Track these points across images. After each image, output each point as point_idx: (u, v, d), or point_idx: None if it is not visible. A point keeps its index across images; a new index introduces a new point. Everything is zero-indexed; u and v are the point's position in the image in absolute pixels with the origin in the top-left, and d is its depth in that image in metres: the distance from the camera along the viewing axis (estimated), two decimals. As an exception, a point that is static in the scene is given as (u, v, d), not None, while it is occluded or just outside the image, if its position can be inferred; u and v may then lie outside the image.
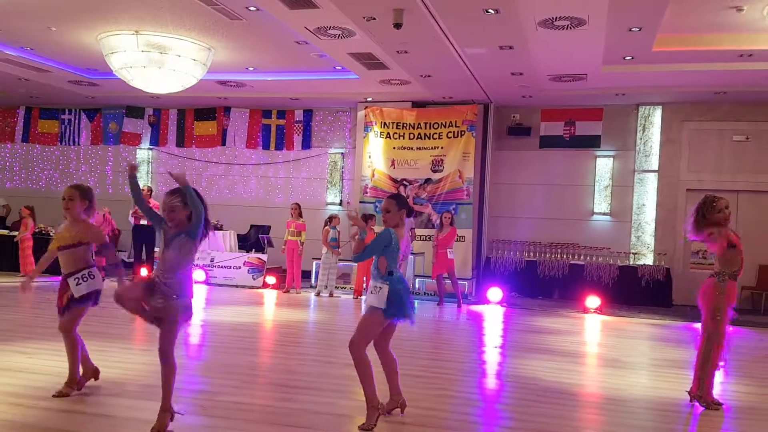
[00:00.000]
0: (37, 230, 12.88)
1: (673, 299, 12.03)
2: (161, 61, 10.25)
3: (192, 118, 15.16)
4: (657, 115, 12.84)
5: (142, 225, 12.14)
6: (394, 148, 13.36)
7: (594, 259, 12.58)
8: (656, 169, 12.85)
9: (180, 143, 15.33)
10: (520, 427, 4.44)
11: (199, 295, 11.13)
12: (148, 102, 14.73)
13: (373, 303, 4.24)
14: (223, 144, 14.96)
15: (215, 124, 14.96)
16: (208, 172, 15.27)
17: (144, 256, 12.33)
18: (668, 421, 4.80)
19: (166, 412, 3.97)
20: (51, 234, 13.29)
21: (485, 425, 4.58)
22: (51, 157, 16.30)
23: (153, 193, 12.55)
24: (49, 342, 6.44)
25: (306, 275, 12.52)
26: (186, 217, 4.00)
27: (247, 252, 12.89)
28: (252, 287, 12.17)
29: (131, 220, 12.39)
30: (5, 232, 13.63)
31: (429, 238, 12.93)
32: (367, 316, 4.28)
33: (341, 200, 14.45)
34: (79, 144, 15.88)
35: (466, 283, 11.51)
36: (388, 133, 13.37)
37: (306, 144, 14.57)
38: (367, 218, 11.50)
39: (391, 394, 4.47)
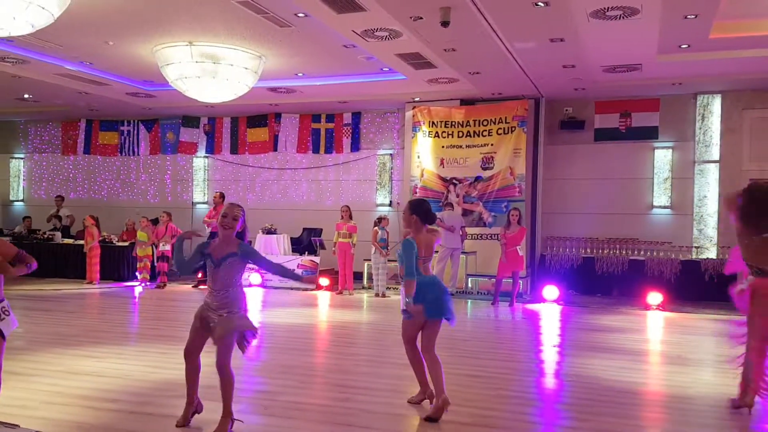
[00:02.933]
0: (101, 239, 13.39)
1: (740, 294, 11.55)
2: (214, 71, 10.50)
3: (245, 125, 15.47)
4: (716, 104, 12.36)
5: (213, 233, 12.49)
6: (442, 147, 13.29)
7: (654, 254, 12.20)
8: (717, 159, 12.37)
9: (234, 150, 15.66)
10: (581, 427, 4.35)
11: (255, 297, 11.35)
12: (202, 111, 15.11)
13: (402, 305, 4.64)
14: (275, 149, 15.20)
15: (267, 131, 15.22)
16: (260, 177, 15.55)
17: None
18: (735, 419, 4.62)
19: (227, 417, 4.06)
20: (114, 242, 13.81)
21: (545, 425, 4.51)
22: (112, 168, 16.91)
23: (173, 217, 12.82)
24: (115, 347, 6.68)
25: (357, 276, 12.60)
26: (237, 233, 4.13)
27: (301, 255, 13.06)
28: (306, 290, 12.32)
29: (207, 228, 12.65)
30: (71, 241, 14.22)
31: (481, 236, 12.83)
32: (404, 319, 4.68)
33: (391, 201, 14.48)
34: (138, 154, 16.43)
35: (521, 281, 11.35)
36: (437, 132, 13.32)
37: (355, 146, 14.67)
38: (380, 220, 11.87)
39: (435, 391, 4.48)
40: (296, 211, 14.91)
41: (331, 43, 9.82)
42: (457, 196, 13.14)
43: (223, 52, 10.34)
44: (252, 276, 12.72)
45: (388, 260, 11.83)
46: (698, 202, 12.48)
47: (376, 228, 11.68)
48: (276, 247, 13.15)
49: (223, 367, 4.04)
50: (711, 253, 12.19)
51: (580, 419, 4.53)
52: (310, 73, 11.88)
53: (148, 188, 16.59)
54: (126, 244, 13.54)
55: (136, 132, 16.34)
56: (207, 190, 16.17)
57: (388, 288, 11.87)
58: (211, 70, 10.49)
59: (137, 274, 12.70)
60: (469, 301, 11.34)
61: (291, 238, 13.63)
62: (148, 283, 12.51)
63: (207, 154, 15.99)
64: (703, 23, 8.54)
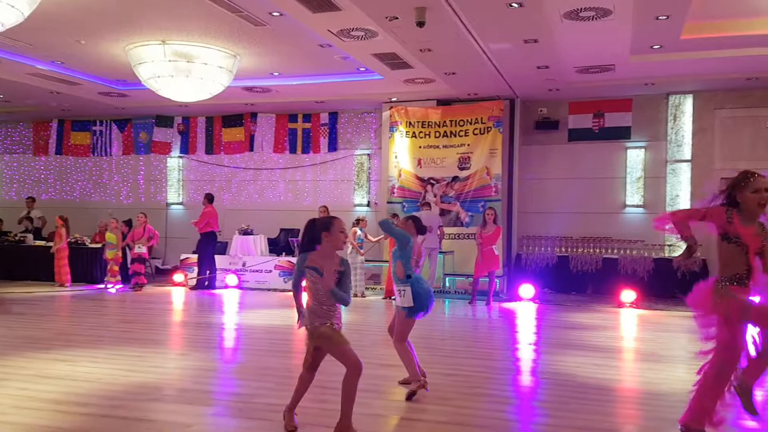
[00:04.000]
0: (71, 240, 13.16)
1: (711, 291, 11.76)
2: (188, 70, 10.39)
3: (220, 125, 15.34)
4: (688, 103, 12.58)
5: (211, 232, 12.39)
6: (420, 147, 13.32)
7: (628, 252, 12.37)
8: (689, 158, 12.58)
9: (209, 150, 15.51)
10: (557, 425, 4.38)
11: (232, 299, 11.25)
12: (176, 111, 14.95)
13: (402, 304, 5.01)
14: (251, 150, 15.09)
15: (243, 130, 15.11)
16: (236, 177, 15.43)
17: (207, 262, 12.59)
18: (710, 416, 4.68)
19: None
20: (86, 244, 13.60)
21: (521, 423, 4.53)
22: (84, 169, 16.65)
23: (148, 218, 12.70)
24: (88, 350, 6.57)
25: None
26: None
27: (278, 255, 12.99)
28: (284, 290, 12.24)
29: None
30: (42, 243, 13.96)
31: (458, 236, 12.89)
32: (401, 317, 5.06)
33: (369, 201, 14.48)
34: (111, 155, 16.19)
35: (498, 280, 11.43)
36: (414, 133, 13.35)
37: (332, 146, 14.63)
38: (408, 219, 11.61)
39: (415, 377, 4.97)
40: (273, 212, 14.82)
41: (307, 42, 9.79)
42: (435, 196, 13.18)
43: (196, 51, 10.24)
44: (228, 277, 12.62)
45: (366, 260, 11.82)
46: (670, 201, 12.68)
47: (355, 228, 11.67)
48: (253, 248, 13.06)
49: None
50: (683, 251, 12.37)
51: (556, 416, 4.57)
52: (286, 72, 11.82)
53: (121, 189, 16.36)
54: (99, 245, 13.34)
55: (108, 132, 16.10)
56: (181, 191, 16.00)
57: (366, 288, 11.85)
58: (184, 69, 10.36)
59: (106, 277, 12.45)
60: (447, 300, 11.38)
61: (268, 239, 13.56)
62: (120, 286, 12.32)
63: (181, 154, 15.82)
64: (674, 24, 8.68)
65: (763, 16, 8.84)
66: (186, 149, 15.69)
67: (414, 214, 5.84)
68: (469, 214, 12.94)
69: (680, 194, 12.60)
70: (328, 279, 3.94)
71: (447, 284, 12.25)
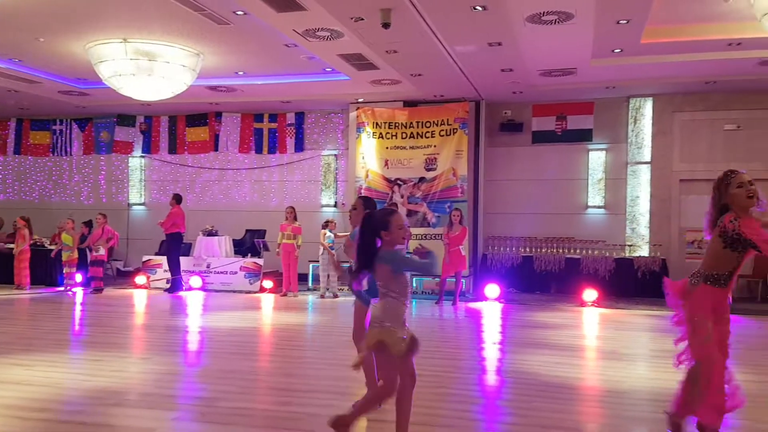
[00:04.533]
0: (32, 242, 12.83)
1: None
2: (150, 69, 10.22)
3: (183, 124, 15.12)
4: (648, 107, 12.86)
5: (177, 233, 12.17)
6: (387, 148, 13.35)
7: (590, 252, 12.59)
8: (649, 160, 12.87)
9: (172, 150, 15.28)
10: (521, 423, 4.44)
11: (196, 301, 11.10)
12: (138, 110, 14.69)
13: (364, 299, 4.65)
14: (216, 149, 14.92)
15: (207, 130, 14.93)
16: (201, 178, 15.24)
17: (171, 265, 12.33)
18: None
19: None
20: (46, 245, 13.26)
21: (486, 422, 4.58)
22: (44, 169, 16.23)
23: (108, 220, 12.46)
24: (47, 354, 6.42)
25: (303, 278, 12.51)
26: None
27: (243, 257, 12.87)
28: (249, 292, 12.14)
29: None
30: (-1, 244, 13.57)
31: (425, 237, 12.95)
32: (358, 308, 4.76)
33: (336, 202, 14.44)
34: (71, 154, 15.82)
35: (464, 280, 11.52)
36: (381, 134, 13.36)
37: (299, 147, 14.55)
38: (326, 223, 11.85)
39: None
40: (239, 213, 14.68)
41: (272, 41, 9.72)
42: (402, 197, 13.22)
43: (159, 49, 10.08)
44: (192, 279, 12.45)
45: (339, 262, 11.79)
46: (631, 201, 12.95)
47: (324, 230, 11.63)
48: (217, 249, 12.92)
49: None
50: (643, 251, 12.67)
51: (520, 415, 4.63)
52: (251, 71, 11.72)
53: (82, 189, 16.00)
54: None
55: (68, 131, 15.73)
56: (144, 191, 15.74)
57: (341, 289, 11.82)
58: (146, 67, 10.20)
59: (64, 280, 12.16)
60: (414, 300, 11.42)
61: (233, 240, 13.42)
62: (78, 289, 12.06)
63: (144, 154, 15.56)
64: (635, 28, 8.86)
65: (720, 21, 9.09)
66: (148, 149, 15.42)
67: (367, 196, 5.30)
68: (436, 214, 13.02)
69: (640, 195, 12.89)
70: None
71: (414, 285, 12.29)
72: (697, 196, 12.54)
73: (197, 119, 14.97)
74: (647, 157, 12.87)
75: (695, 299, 3.84)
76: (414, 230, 12.71)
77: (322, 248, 11.55)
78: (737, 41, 9.37)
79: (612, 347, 7.48)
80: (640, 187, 12.92)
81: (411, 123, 13.19)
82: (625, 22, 8.62)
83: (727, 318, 3.94)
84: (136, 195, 15.72)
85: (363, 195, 5.26)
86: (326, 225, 11.77)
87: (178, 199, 12.46)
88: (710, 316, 3.82)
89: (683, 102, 12.63)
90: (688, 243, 12.62)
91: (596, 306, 10.63)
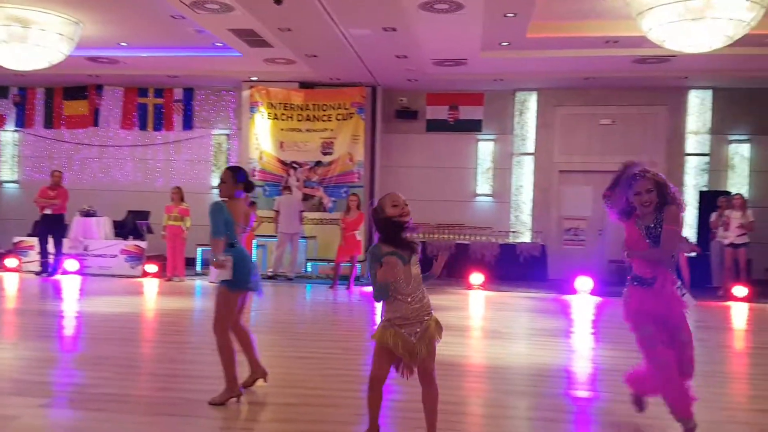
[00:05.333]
0: None
1: (548, 274, 12.75)
2: (24, 36, 9.51)
3: (61, 97, 14.09)
4: (532, 100, 13.45)
5: (47, 214, 11.24)
6: (282, 129, 13.10)
7: (477, 238, 13.05)
8: (532, 152, 13.48)
9: (48, 124, 14.21)
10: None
11: (72, 286, 10.42)
12: (12, 80, 13.52)
13: (220, 277, 4.31)
14: (96, 125, 14.01)
15: (86, 104, 13.98)
16: (79, 154, 14.27)
17: (51, 248, 11.43)
18: (545, 385, 5.07)
19: None
20: None
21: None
22: None
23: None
24: None
25: (191, 262, 12.06)
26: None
27: (124, 239, 12.21)
28: (131, 276, 11.55)
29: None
30: None
31: (321, 221, 12.88)
32: (219, 295, 4.34)
33: (227, 184, 13.99)
34: (-67, 127, 14.32)
35: (359, 265, 11.57)
36: (276, 114, 13.09)
37: (187, 125, 13.95)
38: (250, 205, 11.26)
39: (252, 368, 4.54)
40: (120, 192, 13.88)
41: (158, 12, 9.22)
42: (298, 180, 13.05)
43: (33, 16, 9.35)
44: (68, 262, 11.65)
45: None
46: (515, 190, 13.54)
47: None
48: (95, 231, 12.16)
49: (434, 373, 3.52)
50: (526, 238, 13.30)
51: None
52: (134, 43, 11.06)
53: (-52, 165, 14.54)
54: None
55: (-69, 102, 14.21)
56: (17, 168, 14.55)
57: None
58: (20, 34, 9.49)
59: None
60: (309, 285, 11.34)
61: (114, 222, 12.69)
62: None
63: (17, 128, 14.36)
64: (521, 22, 9.20)
65: (599, 18, 9.61)
66: (22, 123, 14.24)
67: (237, 166, 4.75)
68: (333, 199, 12.98)
69: (524, 185, 13.49)
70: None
71: (309, 269, 12.23)
72: (574, 187, 13.33)
73: (76, 92, 13.98)
74: (531, 148, 13.48)
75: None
76: (310, 215, 12.61)
77: None
78: (614, 39, 9.96)
79: (495, 327, 7.81)
80: (524, 177, 13.53)
81: (307, 105, 13.02)
82: (512, 15, 8.92)
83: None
84: (7, 172, 14.51)
85: (233, 166, 4.79)
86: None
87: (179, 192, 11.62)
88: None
89: (564, 97, 13.31)
90: (566, 230, 13.41)
91: (482, 289, 11.04)
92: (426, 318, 3.42)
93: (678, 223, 3.67)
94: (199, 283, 11.19)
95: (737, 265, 10.70)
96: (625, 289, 3.89)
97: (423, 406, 3.47)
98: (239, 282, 4.30)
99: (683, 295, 3.65)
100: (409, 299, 3.38)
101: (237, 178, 4.44)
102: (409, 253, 3.44)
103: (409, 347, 3.38)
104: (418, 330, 3.40)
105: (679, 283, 3.73)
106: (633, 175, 3.76)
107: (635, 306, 3.78)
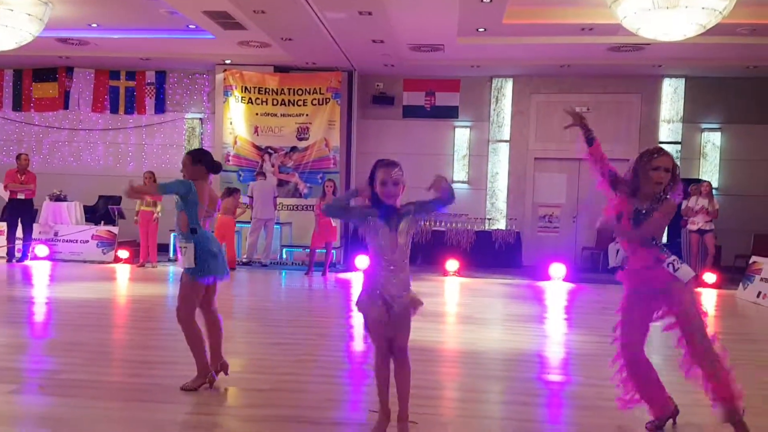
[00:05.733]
0: None
1: (523, 260, 12.86)
2: (-10, 16, 9.19)
3: (30, 79, 13.76)
4: (508, 87, 13.48)
5: (18, 199, 10.97)
6: (257, 114, 12.96)
7: (453, 225, 13.09)
8: (508, 139, 13.53)
9: (17, 107, 13.88)
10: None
11: (41, 271, 10.23)
12: (-23, 61, 13.16)
13: (184, 264, 4.16)
14: (66, 107, 13.71)
15: (56, 86, 13.66)
16: (49, 138, 13.96)
17: (20, 233, 11.18)
18: (518, 370, 5.12)
19: (407, 421, 3.40)
20: None
21: (352, 385, 4.62)
22: None
23: None
24: None
25: (164, 248, 11.90)
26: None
27: (96, 225, 12.01)
28: (102, 262, 11.37)
29: (3, 194, 11.12)
30: None
31: (296, 207, 12.80)
32: (184, 281, 4.20)
33: (201, 169, 13.80)
34: None
35: (335, 251, 11.55)
36: (250, 99, 12.94)
37: (159, 108, 13.71)
38: (231, 191, 11.13)
39: (212, 357, 4.31)
40: (91, 177, 13.62)
41: (130, -8, 9.02)
42: (273, 165, 12.94)
43: (-1, -6, 9.05)
44: (38, 248, 11.43)
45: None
46: (491, 178, 13.60)
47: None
48: (66, 216, 11.95)
49: (406, 352, 3.42)
50: (501, 225, 13.39)
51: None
52: (105, 24, 10.82)
53: None
54: None
55: None
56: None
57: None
58: (-14, 14, 9.14)
59: None
60: (284, 271, 11.29)
61: (84, 207, 12.47)
62: None
63: (-16, 111, 14.00)
64: (497, 8, 9.18)
65: (575, 5, 9.64)
66: (-11, 105, 13.90)
67: (201, 149, 4.63)
68: (308, 185, 12.90)
69: (499, 172, 13.55)
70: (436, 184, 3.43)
71: (284, 256, 12.16)
72: (548, 174, 13.43)
73: (45, 74, 13.67)
74: (507, 135, 13.53)
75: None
76: (286, 201, 12.52)
77: None
78: (590, 26, 10.00)
79: (469, 312, 7.86)
80: (500, 164, 13.58)
81: (282, 90, 12.88)
82: (488, 1, 8.89)
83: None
84: (-27, 155, 14.14)
85: (193, 150, 4.60)
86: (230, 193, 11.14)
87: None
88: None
89: (540, 84, 13.36)
90: (540, 217, 13.53)
91: (457, 275, 11.09)
92: (404, 293, 3.35)
93: (667, 219, 3.58)
94: (171, 269, 11.06)
95: (705, 251, 10.91)
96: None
97: (395, 384, 3.43)
98: (203, 270, 4.14)
99: (676, 270, 3.51)
100: (391, 267, 3.31)
101: (195, 159, 4.30)
102: (396, 220, 3.35)
103: (377, 312, 3.33)
104: (393, 303, 3.31)
105: (671, 258, 3.56)
106: (656, 148, 3.64)
107: (627, 288, 3.68)
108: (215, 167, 4.36)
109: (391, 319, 3.33)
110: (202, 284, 4.18)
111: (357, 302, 3.45)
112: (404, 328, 3.40)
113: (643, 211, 3.59)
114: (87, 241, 11.64)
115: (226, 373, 4.35)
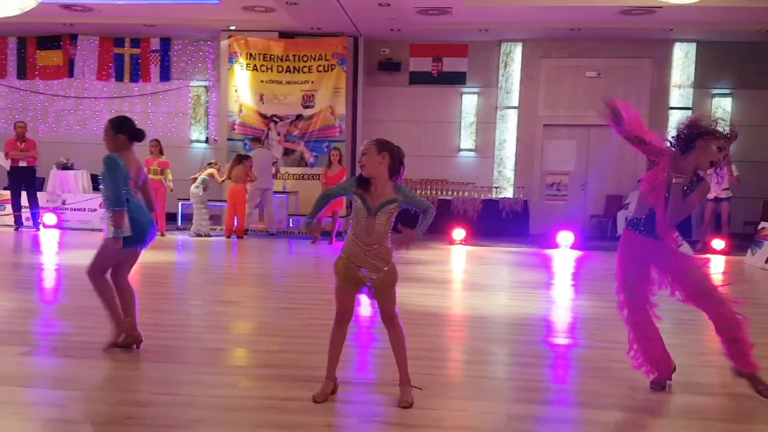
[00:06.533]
0: None
1: (530, 229, 12.84)
2: (-9, -20, 9.07)
3: (34, 47, 13.67)
4: (518, 51, 13.28)
5: (20, 167, 11.00)
6: (262, 81, 12.86)
7: (460, 194, 13.05)
8: (516, 105, 13.39)
9: (21, 75, 13.82)
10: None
11: (51, 239, 10.31)
12: (-20, 28, 13.08)
13: (111, 234, 4.12)
14: (71, 75, 13.65)
15: (61, 54, 13.57)
16: (54, 106, 13.93)
17: (24, 200, 11.27)
18: (524, 333, 5.15)
19: (408, 384, 3.48)
20: None
21: (359, 348, 4.66)
22: None
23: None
24: None
25: (172, 217, 11.94)
26: (388, 171, 3.52)
27: (104, 193, 12.03)
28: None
29: (4, 162, 11.15)
30: None
31: (302, 176, 12.78)
32: (105, 245, 4.20)
33: (207, 137, 13.79)
34: None
35: (342, 220, 11.55)
36: (255, 66, 12.82)
37: (164, 76, 13.62)
38: (241, 158, 11.10)
39: (125, 327, 4.27)
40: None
41: (134, -44, 8.89)
42: (279, 134, 12.88)
43: (1, -43, 8.92)
44: (46, 216, 11.50)
45: (208, 200, 11.34)
46: (499, 145, 13.49)
47: (211, 170, 11.13)
48: (73, 185, 12.00)
49: (394, 318, 3.53)
50: (508, 193, 13.34)
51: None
52: (109, -11, 10.72)
53: None
54: None
55: None
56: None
57: (213, 229, 11.40)
58: (-13, -22, 9.02)
59: None
60: (291, 240, 11.32)
61: (91, 175, 12.49)
62: None
63: (-12, 79, 13.95)
64: (507, -30, 9.02)
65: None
66: (-7, 73, 13.84)
67: (122, 116, 4.47)
68: (314, 154, 12.85)
69: (507, 139, 13.44)
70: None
71: (291, 225, 12.18)
72: (558, 141, 13.32)
73: (49, 41, 13.57)
74: (515, 101, 13.38)
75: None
76: (291, 170, 12.48)
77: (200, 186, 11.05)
78: (601, -13, 9.82)
79: (475, 279, 7.88)
80: (508, 132, 13.46)
81: (287, 56, 12.75)
82: (499, -38, 8.73)
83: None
84: (-22, 124, 14.14)
85: (111, 118, 4.46)
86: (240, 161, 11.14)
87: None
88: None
89: (550, 48, 13.16)
90: (548, 185, 13.46)
91: (464, 244, 11.10)
92: (384, 267, 3.46)
93: (701, 201, 3.50)
94: (180, 237, 11.11)
95: (718, 218, 10.82)
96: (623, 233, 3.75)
97: (392, 350, 3.54)
98: (134, 239, 4.16)
99: (679, 246, 3.52)
100: (366, 248, 3.43)
101: (116, 129, 4.23)
102: (376, 206, 3.44)
103: (352, 275, 3.44)
104: (375, 272, 3.44)
105: (675, 234, 3.56)
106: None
107: (627, 251, 3.70)
108: (138, 135, 4.29)
109: (371, 291, 3.47)
110: (126, 251, 4.18)
111: (334, 264, 3.55)
112: (388, 297, 3.50)
113: (685, 188, 3.47)
114: (95, 210, 11.68)
115: (138, 347, 4.24)
